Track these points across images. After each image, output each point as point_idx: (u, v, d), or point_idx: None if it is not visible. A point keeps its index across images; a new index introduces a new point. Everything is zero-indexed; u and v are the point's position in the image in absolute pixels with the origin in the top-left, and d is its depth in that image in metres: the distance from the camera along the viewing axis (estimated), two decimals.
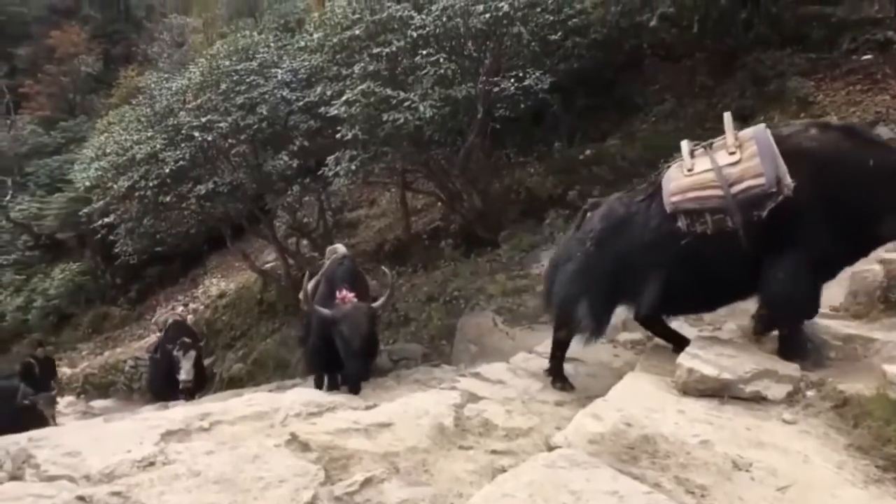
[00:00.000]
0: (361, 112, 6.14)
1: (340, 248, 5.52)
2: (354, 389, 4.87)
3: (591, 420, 2.53)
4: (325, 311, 4.63)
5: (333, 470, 2.73)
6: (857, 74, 7.10)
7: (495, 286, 7.04)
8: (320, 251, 10.47)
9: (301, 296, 5.39)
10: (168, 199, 7.90)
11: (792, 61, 7.57)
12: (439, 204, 9.46)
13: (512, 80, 6.73)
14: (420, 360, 6.85)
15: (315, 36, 7.31)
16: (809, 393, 2.98)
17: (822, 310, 4.04)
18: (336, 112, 6.39)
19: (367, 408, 3.91)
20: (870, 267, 3.90)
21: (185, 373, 7.46)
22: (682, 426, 2.50)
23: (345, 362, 4.67)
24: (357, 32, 6.55)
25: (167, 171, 7.36)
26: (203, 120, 7.26)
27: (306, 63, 7.55)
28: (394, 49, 6.25)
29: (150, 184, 7.52)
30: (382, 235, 10.73)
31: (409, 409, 3.43)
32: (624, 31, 8.23)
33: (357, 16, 6.60)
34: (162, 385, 8.31)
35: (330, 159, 6.88)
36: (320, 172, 7.34)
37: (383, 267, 5.83)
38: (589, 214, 3.82)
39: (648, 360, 3.60)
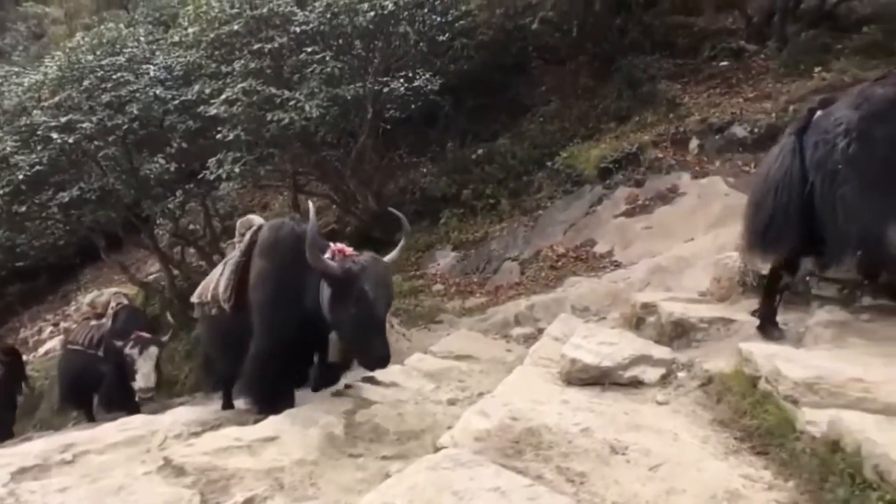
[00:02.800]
0: (244, 112, 5.83)
1: (256, 219, 4.25)
2: (330, 380, 3.61)
3: (478, 417, 2.54)
4: (333, 266, 3.16)
5: (211, 493, 2.54)
6: (717, 79, 7.76)
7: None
8: (208, 259, 9.89)
9: (203, 292, 4.13)
10: (24, 208, 7.07)
11: (661, 66, 8.15)
12: (334, 206, 9.24)
13: (401, 81, 6.70)
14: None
15: (190, 31, 6.85)
16: (681, 374, 3.18)
17: (690, 295, 4.39)
18: (216, 112, 6.02)
19: (256, 422, 3.72)
20: (730, 254, 4.26)
21: (142, 378, 5.47)
22: (565, 416, 2.57)
23: (357, 341, 3.20)
24: (236, 28, 6.21)
25: (21, 176, 6.57)
26: (63, 120, 6.55)
27: (182, 59, 7.05)
28: (276, 46, 5.99)
29: (1, 191, 6.70)
30: None
31: (297, 420, 3.28)
32: (510, 34, 8.48)
33: (236, 10, 6.26)
34: (111, 393, 6.17)
35: (211, 162, 6.49)
36: (201, 176, 6.90)
37: (392, 209, 4.18)
38: (820, 114, 2.91)
39: (537, 352, 3.69)
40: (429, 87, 6.56)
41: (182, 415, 4.28)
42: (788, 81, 6.79)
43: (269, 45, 6.00)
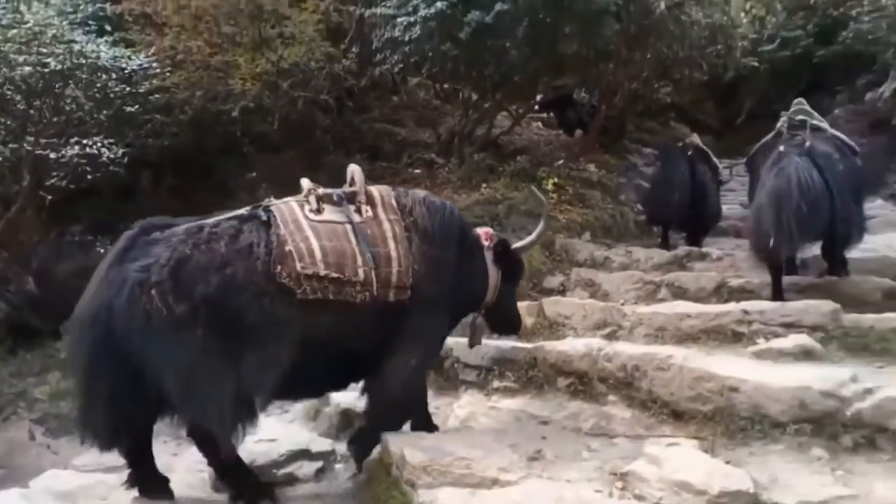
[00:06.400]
0: None
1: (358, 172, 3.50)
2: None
3: None
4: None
5: None
6: (411, 184, 8.71)
7: (44, 388, 5.78)
8: None
9: (338, 263, 2.80)
10: None
11: (365, 167, 8.82)
12: None
13: (76, 147, 5.93)
14: None
15: None
16: (338, 466, 3.22)
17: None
18: None
19: None
20: None
21: None
22: None
23: (515, 310, 3.72)
24: None
25: None
26: None
27: None
28: None
29: None
30: None
31: None
32: (216, 117, 8.30)
33: None
34: None
35: None
36: None
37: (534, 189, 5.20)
38: None
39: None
40: (106, 158, 5.90)
41: None
42: (463, 192, 7.99)
43: None
